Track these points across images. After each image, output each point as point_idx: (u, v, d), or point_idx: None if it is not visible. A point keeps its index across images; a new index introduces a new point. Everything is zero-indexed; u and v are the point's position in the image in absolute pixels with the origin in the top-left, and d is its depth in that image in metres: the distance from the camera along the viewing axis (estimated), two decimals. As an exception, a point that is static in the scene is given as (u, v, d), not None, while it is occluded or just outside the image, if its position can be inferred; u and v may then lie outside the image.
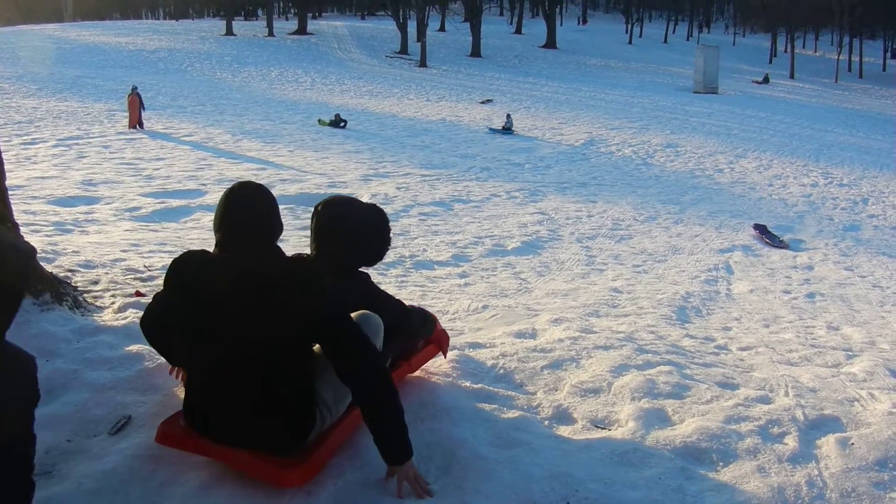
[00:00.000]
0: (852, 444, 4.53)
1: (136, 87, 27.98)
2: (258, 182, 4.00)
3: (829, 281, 15.66)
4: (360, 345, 3.66)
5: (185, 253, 3.87)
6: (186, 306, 3.73)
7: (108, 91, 35.06)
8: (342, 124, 31.56)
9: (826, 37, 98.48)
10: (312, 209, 4.47)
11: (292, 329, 3.60)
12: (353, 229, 4.40)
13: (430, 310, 5.51)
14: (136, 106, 27.12)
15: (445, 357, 5.32)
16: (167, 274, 3.84)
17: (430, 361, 5.30)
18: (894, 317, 12.77)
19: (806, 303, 13.53)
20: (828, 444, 4.53)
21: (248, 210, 3.78)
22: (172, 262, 3.82)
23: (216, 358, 3.67)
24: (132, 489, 3.68)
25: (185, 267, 3.78)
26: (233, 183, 3.98)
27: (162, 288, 3.94)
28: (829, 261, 17.41)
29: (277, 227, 3.89)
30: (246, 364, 3.60)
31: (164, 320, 4.05)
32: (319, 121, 32.03)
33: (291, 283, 3.61)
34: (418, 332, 4.88)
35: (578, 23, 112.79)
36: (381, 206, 4.79)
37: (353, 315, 3.89)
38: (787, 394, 5.39)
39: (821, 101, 60.53)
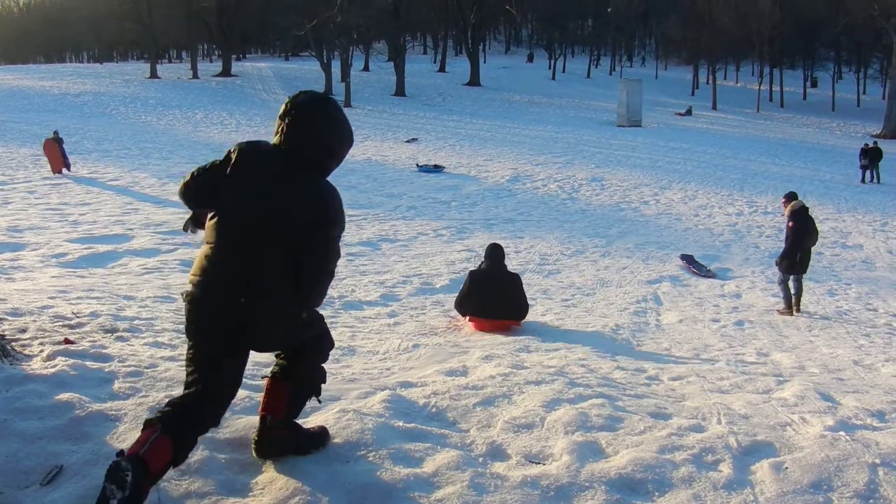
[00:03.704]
0: (786, 468, 4.53)
1: (57, 132, 27.62)
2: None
3: (757, 308, 15.84)
4: (333, 251, 4.28)
5: (251, 142, 4.38)
6: (238, 183, 4.19)
7: (32, 136, 34.56)
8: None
9: (747, 68, 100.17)
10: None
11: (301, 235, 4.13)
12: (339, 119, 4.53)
13: (360, 351, 5.62)
14: (54, 151, 26.71)
15: None
16: (232, 153, 4.30)
17: (362, 402, 5.34)
18: (822, 341, 12.95)
19: (735, 330, 13.65)
20: (762, 470, 4.53)
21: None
22: (242, 144, 4.33)
23: (241, 233, 4.10)
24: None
25: (252, 151, 4.30)
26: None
27: (216, 162, 4.34)
28: (756, 288, 17.61)
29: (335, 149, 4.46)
30: (262, 246, 4.08)
31: (209, 191, 4.28)
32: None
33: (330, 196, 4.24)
34: None
35: (527, 60, 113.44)
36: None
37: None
38: (719, 421, 5.39)
39: (743, 130, 61.49)
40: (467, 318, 11.25)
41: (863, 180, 38.34)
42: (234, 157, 4.26)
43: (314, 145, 4.29)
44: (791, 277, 15.82)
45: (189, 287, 4.18)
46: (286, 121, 4.29)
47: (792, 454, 4.75)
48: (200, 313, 4.13)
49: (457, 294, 11.75)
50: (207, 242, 4.21)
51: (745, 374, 8.17)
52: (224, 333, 4.08)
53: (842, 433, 5.13)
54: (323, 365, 4.70)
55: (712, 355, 10.66)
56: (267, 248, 4.08)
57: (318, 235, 4.16)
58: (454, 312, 11.79)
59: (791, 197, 16.38)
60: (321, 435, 4.64)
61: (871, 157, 38.49)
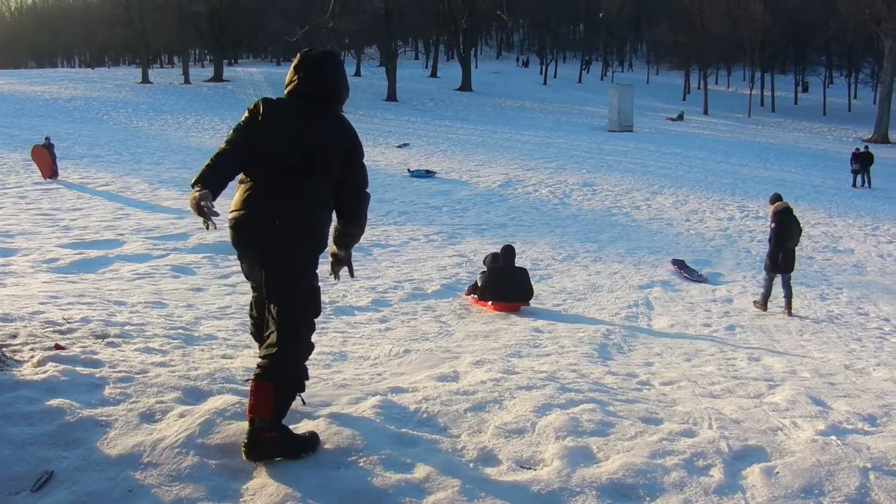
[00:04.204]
0: (777, 472, 4.54)
1: (48, 138, 27.53)
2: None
3: (748, 313, 15.86)
4: (364, 179, 5.14)
5: (269, 97, 5.07)
6: (272, 128, 4.85)
7: (23, 141, 34.36)
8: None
9: (738, 73, 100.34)
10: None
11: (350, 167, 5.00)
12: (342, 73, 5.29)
13: (351, 356, 5.72)
14: (44, 157, 26.62)
15: None
16: (257, 108, 4.93)
17: (353, 408, 5.36)
18: (814, 345, 12.98)
19: (726, 335, 13.66)
20: (753, 474, 4.54)
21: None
22: (263, 99, 4.99)
23: (283, 170, 4.74)
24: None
25: (276, 102, 4.99)
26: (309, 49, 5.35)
27: (243, 122, 4.92)
28: (747, 293, 17.62)
29: (342, 92, 5.24)
30: (313, 194, 4.79)
31: (251, 144, 4.82)
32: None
33: (350, 132, 5.06)
34: None
35: (522, 65, 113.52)
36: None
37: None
38: (710, 426, 5.39)
39: (734, 135, 61.58)
40: (489, 303, 13.91)
41: (854, 185, 38.43)
42: (261, 108, 4.89)
43: (327, 89, 5.05)
44: (780, 278, 16.19)
45: (233, 215, 4.78)
46: (300, 73, 5.00)
47: (783, 459, 4.76)
48: (245, 234, 4.77)
49: (466, 287, 15.10)
50: (244, 182, 4.80)
51: (736, 379, 8.18)
52: (263, 247, 4.73)
53: (833, 437, 5.14)
54: (306, 364, 4.87)
55: (703, 360, 10.66)
56: (310, 179, 4.77)
57: (353, 162, 5.00)
58: (446, 317, 12.69)
59: (775, 198, 16.86)
60: (311, 440, 4.70)
61: (862, 162, 38.58)
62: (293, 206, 4.67)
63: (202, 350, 7.67)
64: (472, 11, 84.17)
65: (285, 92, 5.03)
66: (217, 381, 5.99)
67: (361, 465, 4.47)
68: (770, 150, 53.33)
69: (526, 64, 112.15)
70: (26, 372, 5.67)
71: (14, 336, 6.68)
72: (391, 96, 73.91)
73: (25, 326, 7.12)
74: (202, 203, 4.48)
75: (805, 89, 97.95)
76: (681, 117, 72.09)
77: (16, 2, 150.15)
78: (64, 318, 7.86)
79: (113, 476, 4.26)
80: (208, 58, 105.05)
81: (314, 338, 4.93)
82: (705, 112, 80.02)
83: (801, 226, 17.20)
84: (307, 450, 4.62)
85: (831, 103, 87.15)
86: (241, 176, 4.84)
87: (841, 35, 78.79)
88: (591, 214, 27.25)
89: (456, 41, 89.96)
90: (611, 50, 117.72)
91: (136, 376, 5.78)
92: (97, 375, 5.70)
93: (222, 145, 4.83)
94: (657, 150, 47.68)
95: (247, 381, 5.21)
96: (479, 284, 14.30)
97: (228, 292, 13.36)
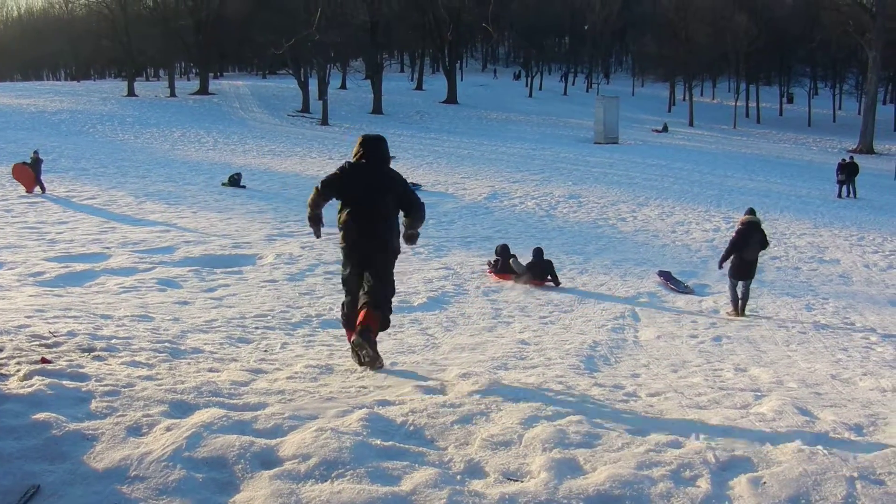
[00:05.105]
0: (764, 483, 4.54)
1: (37, 152, 27.39)
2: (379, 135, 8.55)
3: (734, 324, 15.90)
4: (417, 198, 8.36)
5: (348, 162, 8.29)
6: (352, 182, 8.07)
7: (9, 154, 34.16)
8: (241, 183, 31.34)
9: (723, 84, 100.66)
10: (360, 139, 8.35)
11: (397, 194, 8.15)
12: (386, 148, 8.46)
13: (338, 369, 6.15)
14: (26, 174, 26.49)
15: None
16: (342, 170, 8.20)
17: (340, 421, 5.37)
18: (800, 356, 13.00)
19: (713, 346, 13.68)
20: (740, 485, 4.54)
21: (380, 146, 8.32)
22: (346, 164, 8.25)
23: (365, 206, 8.00)
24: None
25: (355, 165, 8.16)
26: (365, 135, 8.46)
27: (334, 177, 8.18)
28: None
29: (388, 161, 8.39)
30: (388, 218, 8.15)
31: (336, 189, 8.15)
32: (223, 183, 31.67)
33: (399, 177, 8.29)
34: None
35: (514, 77, 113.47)
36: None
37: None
38: (697, 437, 5.39)
39: (720, 147, 61.76)
40: (530, 283, 18.62)
41: (839, 195, 38.57)
42: (347, 169, 8.13)
43: (381, 157, 8.24)
44: (739, 283, 16.99)
45: (343, 236, 8.13)
46: (364, 149, 8.16)
47: (770, 469, 4.77)
48: (355, 248, 8.06)
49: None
50: (343, 215, 8.10)
51: (723, 390, 8.20)
52: (365, 254, 8.06)
53: (820, 447, 5.15)
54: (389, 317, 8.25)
55: (690, 371, 10.68)
56: (382, 209, 8.05)
57: (407, 191, 8.26)
58: (432, 330, 13.25)
59: (747, 212, 17.83)
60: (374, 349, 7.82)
61: (847, 173, 38.72)
62: (384, 235, 8.06)
63: (188, 363, 7.66)
64: (457, 24, 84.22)
65: (354, 159, 8.20)
66: (204, 394, 5.99)
67: (348, 477, 4.46)
68: (755, 161, 53.48)
69: (518, 76, 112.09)
70: (12, 386, 5.66)
71: (0, 350, 6.67)
72: (377, 109, 73.97)
73: (11, 340, 7.11)
74: (313, 225, 8.48)
75: (790, 100, 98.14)
76: (665, 129, 72.15)
77: (0, 14, 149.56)
78: (50, 332, 7.86)
79: (100, 490, 4.25)
80: (194, 71, 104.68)
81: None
82: (691, 124, 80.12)
83: (768, 240, 17.89)
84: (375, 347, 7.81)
85: (816, 114, 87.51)
86: (338, 205, 8.25)
87: (825, 46, 79.09)
88: (577, 226, 27.27)
89: (441, 54, 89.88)
90: (596, 62, 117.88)
91: (122, 390, 5.77)
92: (84, 389, 5.69)
93: (319, 187, 8.20)
94: (643, 161, 47.75)
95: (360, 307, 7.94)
96: (517, 271, 18.83)
97: (214, 305, 13.35)
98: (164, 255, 17.52)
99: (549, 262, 19.17)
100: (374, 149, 8.19)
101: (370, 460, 4.68)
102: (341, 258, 8.37)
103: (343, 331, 12.27)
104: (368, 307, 7.74)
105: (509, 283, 18.59)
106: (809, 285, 20.17)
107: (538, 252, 19.30)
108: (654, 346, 13.24)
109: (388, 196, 8.03)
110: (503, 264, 19.16)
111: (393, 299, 8.37)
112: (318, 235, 8.54)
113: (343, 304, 8.49)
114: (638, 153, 52.80)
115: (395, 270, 8.43)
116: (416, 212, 8.27)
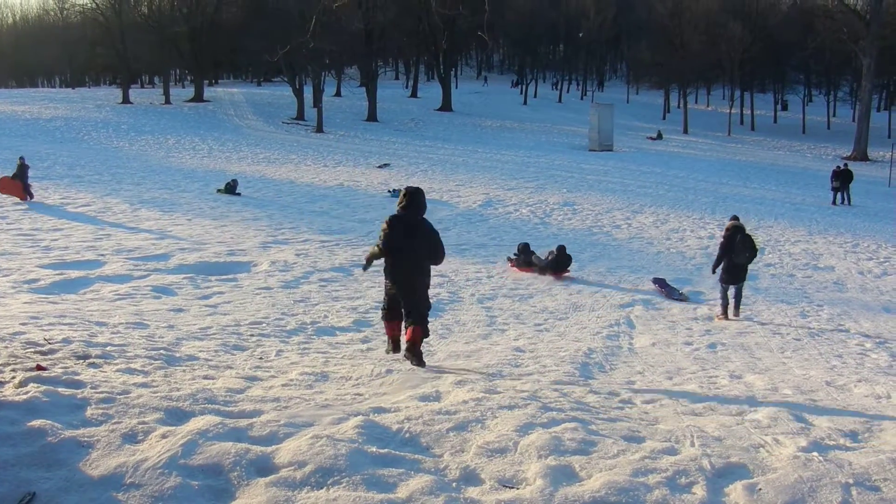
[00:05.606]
0: (760, 489, 4.55)
1: (23, 158, 27.27)
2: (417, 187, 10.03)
3: (729, 330, 15.89)
4: (442, 245, 9.89)
5: (394, 216, 9.79)
6: (399, 237, 9.56)
7: (2, 161, 34.21)
8: (237, 190, 31.30)
9: (718, 91, 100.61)
10: (402, 190, 9.95)
11: (432, 246, 9.74)
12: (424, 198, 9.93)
13: (333, 376, 6.09)
14: (14, 186, 26.36)
15: None
16: (388, 225, 9.66)
17: (335, 428, 5.35)
18: (795, 362, 13.01)
19: (708, 353, 13.69)
20: (736, 492, 4.55)
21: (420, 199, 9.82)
22: (391, 219, 9.75)
23: (408, 260, 9.66)
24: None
25: (398, 220, 9.68)
26: (409, 187, 10.06)
27: (384, 236, 9.62)
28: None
29: (425, 208, 9.87)
30: (421, 263, 9.79)
31: (392, 244, 9.57)
32: (218, 190, 31.63)
33: (433, 229, 9.80)
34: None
35: (512, 85, 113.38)
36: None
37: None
38: (692, 444, 5.40)
39: (714, 154, 61.74)
40: (552, 275, 20.39)
41: (834, 202, 38.56)
42: (394, 224, 9.58)
43: (421, 209, 9.74)
44: (730, 287, 17.36)
45: (389, 280, 9.91)
46: (406, 199, 9.68)
47: (765, 475, 4.77)
48: (401, 288, 9.78)
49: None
50: (388, 262, 9.83)
51: (718, 397, 8.20)
52: (405, 289, 9.77)
53: (815, 454, 5.15)
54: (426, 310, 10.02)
55: (685, 378, 10.68)
56: (421, 259, 9.76)
57: (437, 243, 9.74)
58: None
59: (731, 219, 18.39)
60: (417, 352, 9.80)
61: (842, 180, 38.71)
62: (421, 276, 9.83)
63: (184, 371, 7.65)
64: (452, 32, 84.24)
65: (398, 209, 9.75)
66: (199, 401, 5.98)
67: (344, 485, 4.46)
68: (750, 168, 53.49)
69: (516, 84, 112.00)
70: (8, 393, 5.65)
71: (-5, 357, 6.67)
72: (371, 116, 73.90)
73: (6, 347, 7.11)
74: (365, 269, 10.65)
75: (784, 108, 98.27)
76: (660, 136, 72.11)
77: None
78: (45, 339, 7.85)
79: (95, 497, 4.25)
80: (189, 78, 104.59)
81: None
82: (685, 131, 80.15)
83: (756, 246, 18.04)
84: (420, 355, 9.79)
85: (810, 121, 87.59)
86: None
87: (819, 53, 79.16)
88: (572, 234, 27.21)
89: (436, 61, 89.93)
90: (591, 69, 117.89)
91: (117, 397, 5.76)
92: (79, 396, 5.69)
93: (381, 247, 9.68)
94: (637, 169, 47.70)
95: (407, 326, 9.91)
96: (538, 265, 20.69)
97: (209, 313, 13.33)
98: (159, 263, 17.49)
99: (570, 257, 20.97)
100: (415, 200, 9.75)
101: (366, 467, 4.69)
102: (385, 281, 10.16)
103: (336, 336, 12.54)
104: (412, 325, 9.77)
105: (529, 275, 20.45)
106: (804, 292, 20.17)
107: (562, 248, 20.85)
108: (649, 354, 13.25)
109: (424, 243, 9.68)
110: (525, 259, 21.10)
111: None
112: (365, 270, 10.94)
113: (383, 310, 10.36)
114: (632, 160, 52.78)
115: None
116: (437, 259, 9.94)
